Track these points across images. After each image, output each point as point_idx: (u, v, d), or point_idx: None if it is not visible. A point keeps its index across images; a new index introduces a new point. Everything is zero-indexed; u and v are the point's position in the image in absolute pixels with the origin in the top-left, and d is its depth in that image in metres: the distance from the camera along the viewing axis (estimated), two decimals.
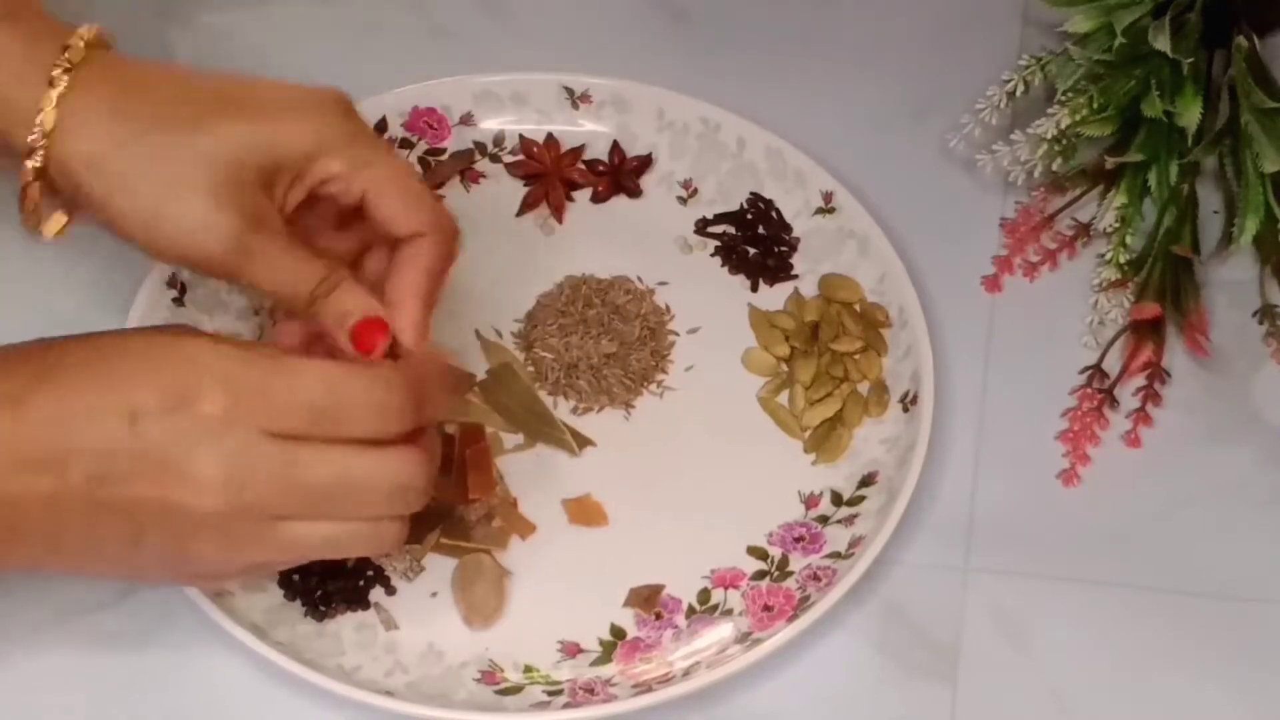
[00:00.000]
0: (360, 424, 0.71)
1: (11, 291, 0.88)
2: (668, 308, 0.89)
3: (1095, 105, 0.89)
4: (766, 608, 0.79)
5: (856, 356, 0.86)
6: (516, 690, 0.78)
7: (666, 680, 0.77)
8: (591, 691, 0.77)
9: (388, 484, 0.72)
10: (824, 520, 0.82)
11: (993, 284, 0.90)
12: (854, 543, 0.80)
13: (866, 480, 0.83)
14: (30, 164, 0.74)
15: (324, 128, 0.76)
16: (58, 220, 0.77)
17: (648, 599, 0.80)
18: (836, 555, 0.80)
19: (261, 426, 0.70)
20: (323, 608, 0.79)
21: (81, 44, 0.75)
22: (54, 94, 0.74)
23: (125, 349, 0.71)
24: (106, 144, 0.74)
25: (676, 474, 0.84)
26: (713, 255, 0.91)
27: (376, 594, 0.80)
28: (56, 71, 0.74)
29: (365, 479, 0.71)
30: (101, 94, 0.74)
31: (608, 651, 0.79)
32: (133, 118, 0.74)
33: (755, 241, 0.91)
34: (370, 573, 0.80)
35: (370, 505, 0.72)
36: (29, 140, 0.74)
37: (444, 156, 0.92)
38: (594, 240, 0.91)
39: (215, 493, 0.69)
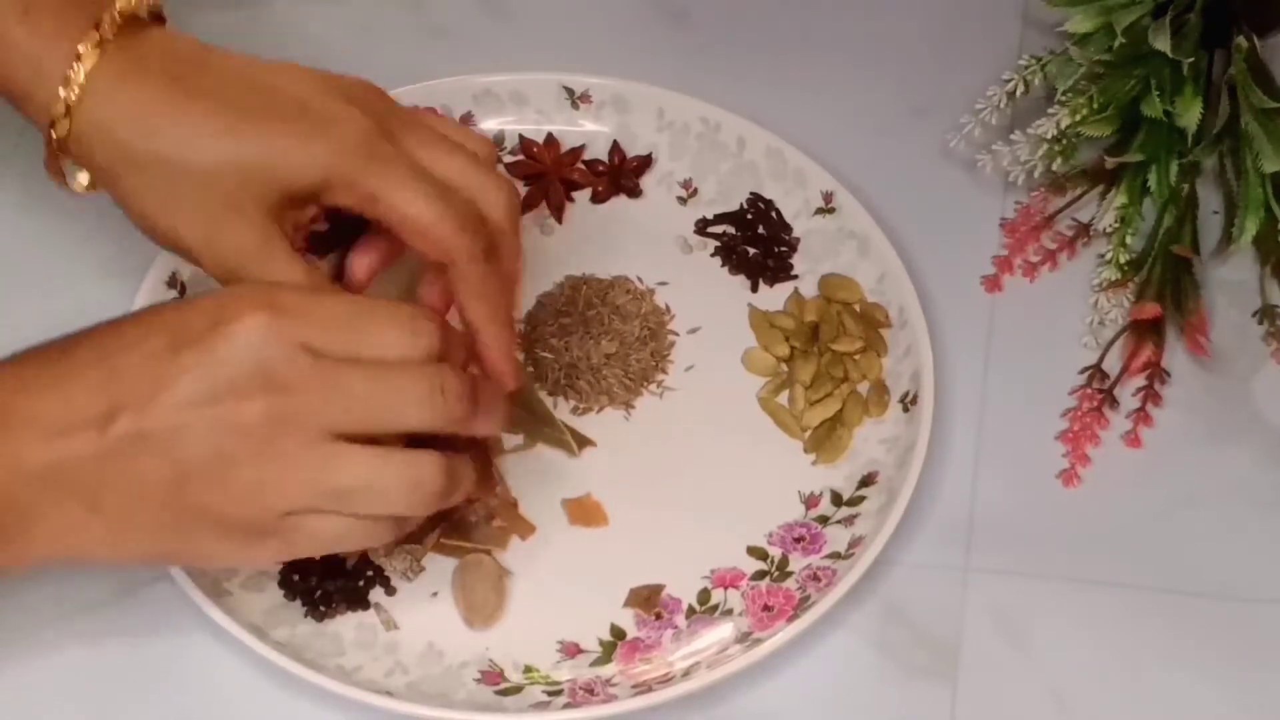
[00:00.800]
0: (390, 345, 0.71)
1: (8, 292, 0.88)
2: (668, 308, 0.89)
3: (1095, 105, 0.89)
4: (766, 608, 0.79)
5: (856, 356, 0.86)
6: (516, 690, 0.78)
7: (666, 680, 0.77)
8: (591, 692, 0.77)
9: (426, 384, 0.71)
10: (824, 520, 0.82)
11: (993, 284, 0.90)
12: (854, 543, 0.80)
13: (866, 480, 0.83)
14: (54, 134, 0.76)
15: (331, 160, 0.75)
16: (85, 176, 0.79)
17: (648, 599, 0.80)
18: (836, 555, 0.80)
19: (300, 338, 0.70)
20: (323, 608, 0.79)
21: (116, 18, 0.76)
22: (81, 69, 0.75)
23: (176, 300, 0.74)
24: (124, 130, 0.75)
25: (676, 474, 0.84)
26: (713, 255, 0.91)
27: (376, 594, 0.80)
28: (85, 46, 0.75)
29: (404, 378, 0.71)
30: (126, 75, 0.76)
31: (608, 652, 0.79)
32: (151, 110, 0.76)
33: (755, 241, 0.91)
34: (370, 573, 0.80)
35: (411, 411, 0.71)
36: (53, 110, 0.76)
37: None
38: (594, 240, 0.91)
39: (257, 396, 0.69)
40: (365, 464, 0.71)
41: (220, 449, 0.70)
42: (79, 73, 0.75)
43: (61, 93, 0.75)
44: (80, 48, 0.75)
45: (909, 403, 0.84)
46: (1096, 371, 0.86)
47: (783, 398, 0.86)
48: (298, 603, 0.80)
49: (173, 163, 0.75)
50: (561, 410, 0.86)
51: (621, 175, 0.93)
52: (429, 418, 0.72)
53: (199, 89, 0.76)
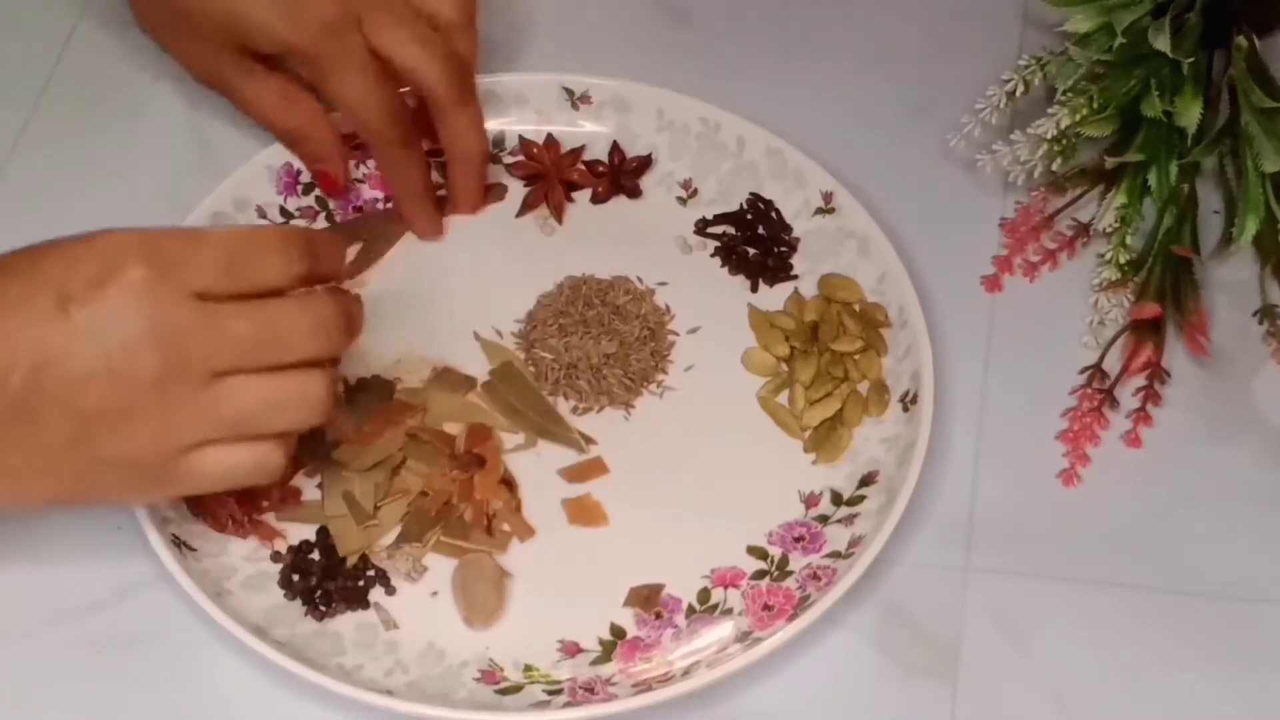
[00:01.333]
0: (269, 272, 0.74)
1: None
2: (668, 308, 0.89)
3: (1095, 105, 0.89)
4: (766, 607, 0.79)
5: (856, 356, 0.86)
6: (516, 690, 0.78)
7: (666, 679, 0.77)
8: (591, 691, 0.77)
9: (308, 319, 0.74)
10: (824, 520, 0.82)
11: (993, 284, 0.90)
12: (854, 542, 0.80)
13: (866, 480, 0.83)
14: None
15: (292, 38, 0.86)
16: None
17: (648, 598, 0.80)
18: (836, 555, 0.80)
19: (185, 288, 0.72)
20: (323, 607, 0.79)
21: None
22: None
23: (49, 249, 0.73)
24: None
25: (676, 474, 0.84)
26: (712, 255, 0.91)
27: (377, 594, 0.80)
28: None
29: (286, 317, 0.74)
30: None
31: (608, 651, 0.79)
32: None
33: (755, 242, 0.91)
34: (370, 573, 0.81)
35: (296, 345, 0.74)
36: None
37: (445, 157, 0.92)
38: (594, 240, 0.91)
39: (150, 351, 0.71)
40: (261, 389, 0.74)
41: (118, 402, 0.71)
42: None
43: None
44: None
45: (909, 402, 0.84)
46: (1096, 371, 0.86)
47: (783, 397, 0.86)
48: (298, 602, 0.80)
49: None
50: (561, 410, 0.86)
51: (621, 175, 0.93)
52: (313, 351, 0.75)
53: None
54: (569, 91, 0.93)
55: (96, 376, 0.71)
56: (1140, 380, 0.86)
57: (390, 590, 0.80)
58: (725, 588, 0.81)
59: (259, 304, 0.73)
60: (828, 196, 0.90)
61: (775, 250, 0.90)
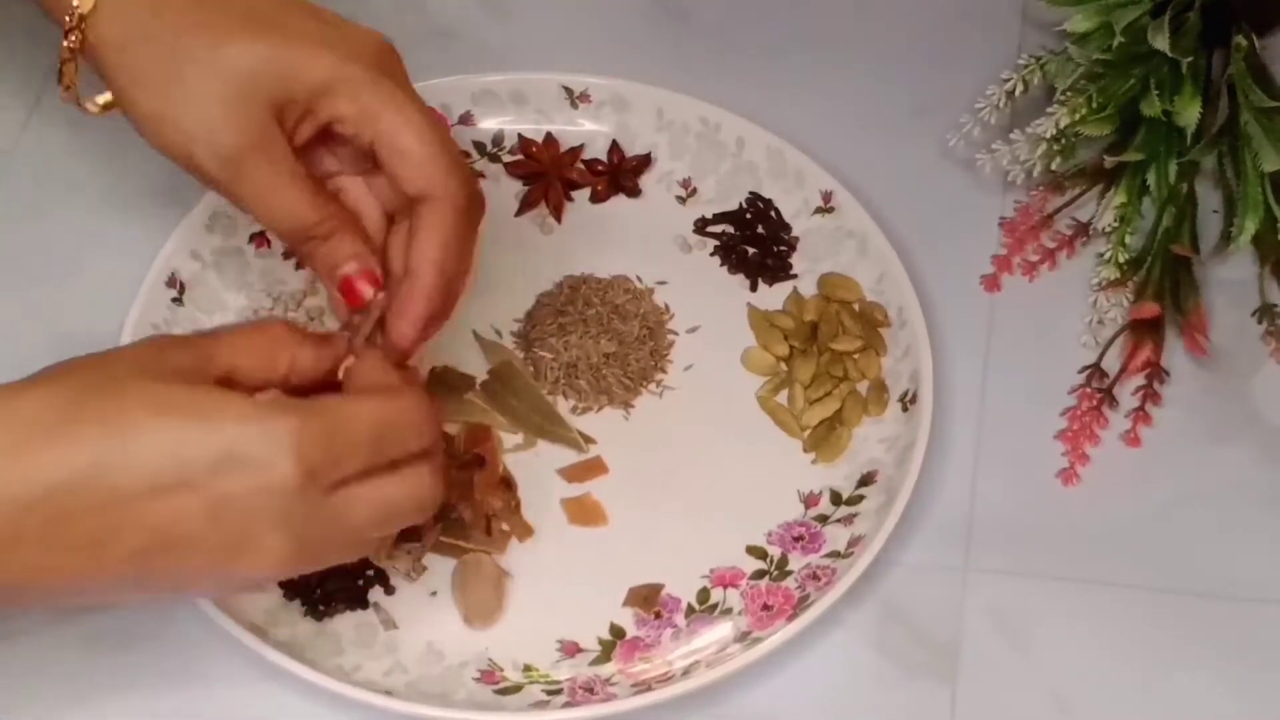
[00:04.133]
0: (403, 446, 0.71)
1: (10, 287, 0.88)
2: (667, 307, 0.89)
3: (1094, 104, 0.89)
4: (766, 607, 0.80)
5: (856, 356, 0.86)
6: (516, 690, 0.78)
7: (666, 679, 0.77)
8: (591, 691, 0.77)
9: (415, 501, 0.71)
10: (823, 520, 0.82)
11: (992, 283, 0.90)
12: (853, 542, 0.80)
13: (866, 480, 0.83)
14: (66, 44, 0.76)
15: (341, 67, 0.74)
16: (105, 96, 0.78)
17: (647, 598, 0.80)
18: (836, 555, 0.80)
19: (329, 482, 0.69)
20: (322, 607, 0.80)
21: None
22: None
23: (169, 401, 0.68)
24: (133, 36, 0.75)
25: (676, 474, 0.84)
26: (712, 255, 0.91)
27: (376, 594, 0.80)
28: None
29: (398, 503, 0.71)
30: None
31: (607, 651, 0.79)
32: (164, 15, 0.75)
33: (754, 241, 0.91)
34: (370, 573, 0.81)
35: (398, 524, 0.73)
36: (67, 19, 0.75)
37: None
38: (593, 240, 0.91)
39: (279, 561, 0.69)
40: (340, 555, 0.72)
41: (222, 584, 0.71)
42: None
43: (75, 1, 0.75)
44: None
45: (908, 402, 0.84)
46: (1096, 371, 0.86)
47: (782, 397, 0.86)
48: (298, 602, 0.80)
49: (184, 44, 0.74)
50: (561, 409, 0.86)
51: (621, 175, 0.93)
52: (409, 524, 0.73)
53: (206, 3, 0.75)
54: (568, 90, 0.93)
55: (213, 566, 0.68)
56: (1140, 380, 0.86)
57: (390, 590, 0.80)
58: (725, 588, 0.81)
59: (378, 489, 0.69)
60: (827, 196, 0.90)
61: (775, 249, 0.90)
